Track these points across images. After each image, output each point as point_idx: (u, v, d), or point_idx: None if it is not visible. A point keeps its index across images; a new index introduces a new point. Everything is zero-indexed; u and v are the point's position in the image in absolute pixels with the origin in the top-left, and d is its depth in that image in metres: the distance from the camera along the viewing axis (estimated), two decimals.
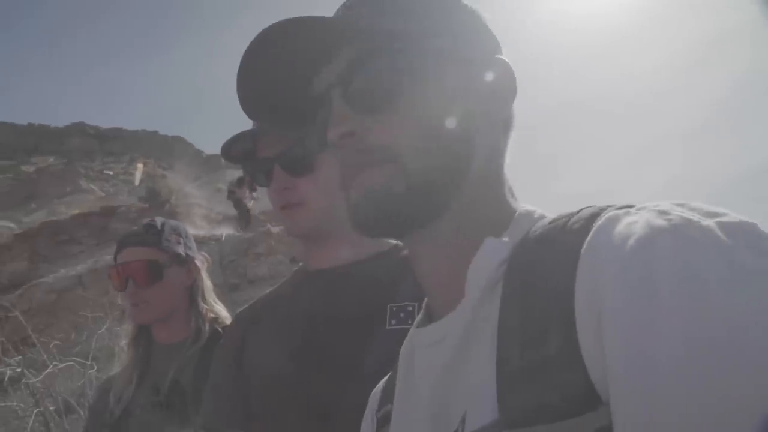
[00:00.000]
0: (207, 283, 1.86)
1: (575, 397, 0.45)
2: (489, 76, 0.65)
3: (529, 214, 0.64)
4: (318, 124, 0.67)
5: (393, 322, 1.09)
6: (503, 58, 0.67)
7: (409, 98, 0.61)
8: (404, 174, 0.60)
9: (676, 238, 0.44)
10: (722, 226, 0.44)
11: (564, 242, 0.52)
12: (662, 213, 0.47)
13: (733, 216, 0.45)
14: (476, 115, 0.64)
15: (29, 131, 37.96)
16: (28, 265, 14.83)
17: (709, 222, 0.45)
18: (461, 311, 0.60)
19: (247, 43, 0.63)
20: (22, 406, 5.77)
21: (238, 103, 0.72)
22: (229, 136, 1.20)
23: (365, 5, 0.65)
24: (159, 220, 1.84)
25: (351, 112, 0.62)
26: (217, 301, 1.88)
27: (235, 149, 1.22)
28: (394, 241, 1.26)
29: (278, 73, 0.66)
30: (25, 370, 5.70)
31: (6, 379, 5.86)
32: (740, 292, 0.40)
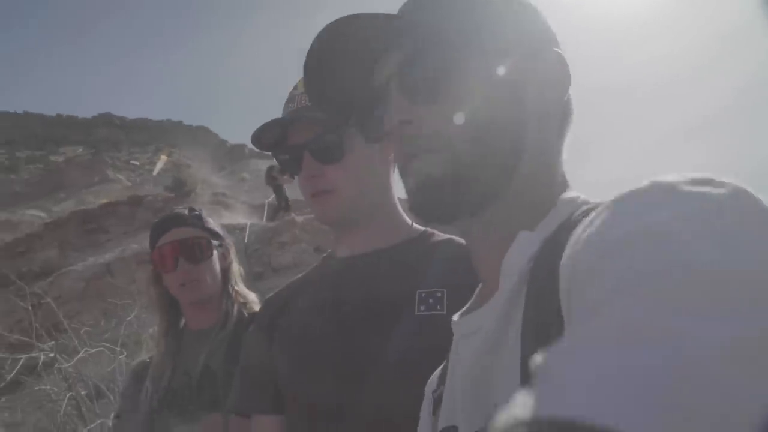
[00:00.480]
0: (238, 267, 1.89)
1: None
2: (542, 69, 0.65)
3: (572, 201, 0.64)
4: (377, 116, 0.70)
5: (422, 308, 1.10)
6: (557, 50, 0.67)
7: (459, 90, 0.63)
8: (454, 161, 0.62)
9: (634, 196, 0.42)
10: (695, 182, 0.40)
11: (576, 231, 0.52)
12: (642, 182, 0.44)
13: (721, 177, 0.41)
14: (528, 108, 0.64)
15: (57, 122, 38.73)
16: (58, 253, 15.20)
17: (680, 179, 0.41)
18: (494, 304, 0.61)
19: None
20: (55, 390, 5.94)
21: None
22: (253, 126, 1.21)
23: (423, 1, 0.68)
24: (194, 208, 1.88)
25: (408, 102, 0.65)
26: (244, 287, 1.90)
27: (266, 137, 1.23)
28: (422, 228, 1.27)
29: (344, 66, 0.69)
30: (57, 355, 5.86)
31: (40, 363, 6.03)
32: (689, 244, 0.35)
